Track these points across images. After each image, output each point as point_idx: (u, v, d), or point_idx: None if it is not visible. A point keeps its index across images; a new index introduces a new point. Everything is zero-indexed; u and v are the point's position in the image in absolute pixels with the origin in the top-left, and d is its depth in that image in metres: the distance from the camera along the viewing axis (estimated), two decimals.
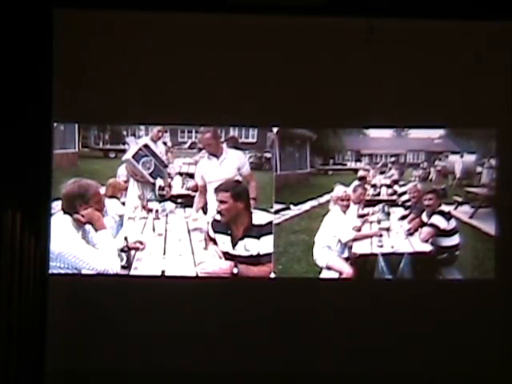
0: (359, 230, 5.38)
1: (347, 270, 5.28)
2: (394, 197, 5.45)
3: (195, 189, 5.40)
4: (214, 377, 5.06)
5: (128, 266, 5.12)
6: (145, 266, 5.19)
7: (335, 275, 5.29)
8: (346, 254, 5.31)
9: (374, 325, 5.14)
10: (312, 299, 5.18)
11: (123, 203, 5.33)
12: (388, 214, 5.41)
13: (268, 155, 5.38)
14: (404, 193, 5.46)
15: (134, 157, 5.36)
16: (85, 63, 5.15)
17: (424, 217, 5.37)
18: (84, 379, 5.09)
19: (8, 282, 4.77)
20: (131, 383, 5.13)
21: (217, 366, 5.12)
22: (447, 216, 5.33)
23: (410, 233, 5.36)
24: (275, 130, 5.36)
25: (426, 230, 5.33)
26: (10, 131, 4.80)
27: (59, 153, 5.24)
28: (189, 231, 5.32)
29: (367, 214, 5.41)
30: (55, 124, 5.12)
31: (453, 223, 5.33)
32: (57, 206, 4.92)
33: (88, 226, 4.71)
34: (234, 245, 5.08)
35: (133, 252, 5.18)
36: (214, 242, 5.16)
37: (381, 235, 5.37)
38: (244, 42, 5.20)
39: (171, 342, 5.12)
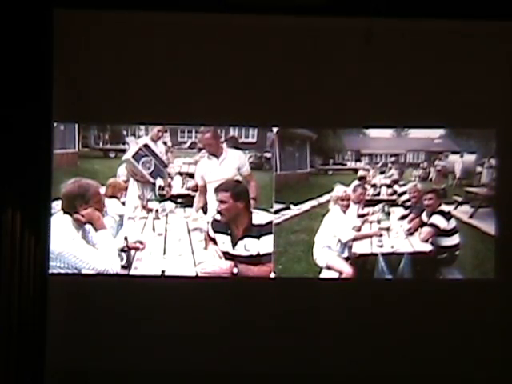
0: (359, 229, 5.38)
1: (347, 270, 5.28)
2: (394, 197, 5.45)
3: (195, 189, 5.41)
4: (213, 377, 5.07)
5: (128, 265, 5.12)
6: (145, 265, 5.19)
7: (335, 275, 5.29)
8: (346, 254, 5.31)
9: (374, 325, 5.15)
10: (312, 299, 5.19)
11: (123, 203, 5.33)
12: (388, 213, 5.42)
13: (268, 155, 5.38)
14: (404, 193, 5.46)
15: (134, 157, 5.36)
16: (85, 63, 5.15)
17: (424, 217, 5.37)
18: (84, 379, 5.09)
19: (8, 282, 4.77)
20: (131, 383, 5.14)
21: (217, 365, 5.12)
22: (447, 216, 5.34)
23: (410, 233, 5.36)
24: (275, 129, 5.37)
25: (426, 230, 5.33)
26: (10, 131, 4.80)
27: (59, 153, 5.24)
28: (189, 231, 5.32)
29: (367, 214, 5.42)
30: (55, 124, 5.12)
31: (453, 223, 5.33)
32: (57, 205, 4.93)
33: (88, 226, 4.72)
34: (234, 245, 5.08)
35: (133, 252, 5.18)
36: (214, 241, 5.16)
37: (381, 235, 5.37)
38: (244, 42, 5.20)
39: (171, 341, 5.12)
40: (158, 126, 5.38)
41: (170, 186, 5.42)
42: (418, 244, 5.31)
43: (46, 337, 4.84)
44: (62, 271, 4.68)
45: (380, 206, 5.42)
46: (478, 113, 5.27)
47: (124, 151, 5.38)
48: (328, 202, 5.38)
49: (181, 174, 5.43)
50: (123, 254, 5.09)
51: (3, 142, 4.80)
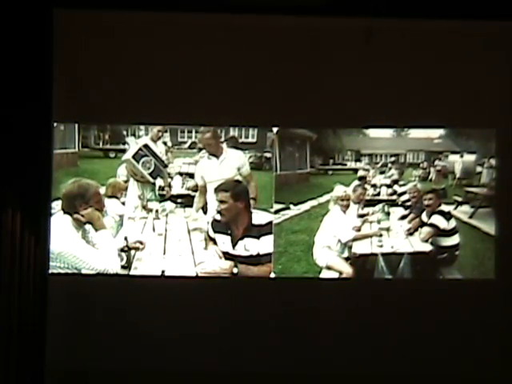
0: (359, 229, 5.38)
1: (347, 270, 5.28)
2: (394, 197, 5.45)
3: (195, 189, 5.41)
4: (213, 377, 5.07)
5: (128, 266, 5.13)
6: (145, 266, 5.19)
7: (335, 275, 5.29)
8: (345, 254, 5.31)
9: (374, 325, 5.14)
10: (312, 299, 5.18)
11: (123, 203, 5.33)
12: (388, 213, 5.42)
13: (268, 155, 5.38)
14: (404, 193, 5.46)
15: (134, 157, 5.36)
16: (85, 63, 5.15)
17: (424, 217, 5.37)
18: (84, 379, 5.09)
19: (8, 282, 4.77)
20: (131, 383, 5.14)
21: (216, 365, 5.12)
22: (447, 216, 5.34)
23: (410, 233, 5.36)
24: (275, 129, 5.37)
25: (425, 230, 5.33)
26: (10, 131, 4.80)
27: (59, 153, 5.24)
28: (189, 231, 5.32)
29: (367, 214, 5.42)
30: (55, 124, 5.12)
31: (453, 223, 5.33)
32: (57, 205, 4.93)
33: (88, 226, 4.72)
34: (234, 245, 5.08)
35: (133, 252, 5.18)
36: (214, 241, 5.16)
37: (381, 235, 5.37)
38: (244, 42, 5.20)
39: (171, 341, 5.12)
40: (158, 126, 5.38)
41: (169, 186, 5.42)
42: (418, 244, 5.31)
43: (46, 337, 4.84)
44: (62, 271, 4.68)
45: (380, 205, 5.43)
46: (477, 113, 5.27)
47: (124, 151, 5.38)
48: (328, 202, 5.38)
49: (181, 174, 5.43)
50: (123, 254, 5.09)
51: (3, 142, 4.80)
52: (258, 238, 5.11)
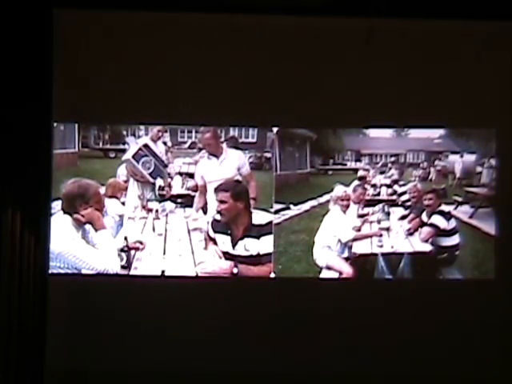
0: (359, 229, 5.38)
1: (347, 270, 5.28)
2: (394, 197, 5.45)
3: (195, 189, 5.41)
4: (213, 377, 5.07)
5: (128, 265, 5.12)
6: (145, 265, 5.19)
7: (335, 275, 5.29)
8: (346, 254, 5.31)
9: (374, 325, 5.14)
10: (312, 299, 5.18)
11: (123, 203, 5.33)
12: (388, 213, 5.42)
13: (268, 155, 5.38)
14: (404, 193, 5.46)
15: (134, 157, 5.36)
16: (85, 63, 5.15)
17: (424, 217, 5.37)
18: (84, 379, 5.10)
19: (8, 282, 4.77)
20: (131, 383, 5.14)
21: (217, 365, 5.12)
22: (447, 216, 5.34)
23: (410, 233, 5.36)
24: (275, 129, 5.37)
25: (425, 230, 5.33)
26: (10, 131, 4.80)
27: (59, 153, 5.24)
28: (189, 231, 5.32)
29: (367, 214, 5.42)
30: (55, 124, 5.12)
31: (453, 223, 5.33)
32: (57, 205, 4.92)
33: (88, 226, 4.71)
34: (233, 245, 5.08)
35: (133, 252, 5.18)
36: (214, 241, 5.16)
37: (381, 235, 5.37)
38: (244, 42, 5.20)
39: (171, 341, 5.12)
40: (158, 126, 5.38)
41: (169, 186, 5.42)
42: (418, 244, 5.31)
43: (46, 337, 4.84)
44: (62, 271, 4.67)
45: (380, 205, 5.42)
46: (478, 113, 5.27)
47: (124, 151, 5.38)
48: (328, 202, 5.38)
49: (181, 174, 5.43)
50: (123, 254, 5.09)
51: (3, 142, 4.80)
52: (258, 238, 5.10)
